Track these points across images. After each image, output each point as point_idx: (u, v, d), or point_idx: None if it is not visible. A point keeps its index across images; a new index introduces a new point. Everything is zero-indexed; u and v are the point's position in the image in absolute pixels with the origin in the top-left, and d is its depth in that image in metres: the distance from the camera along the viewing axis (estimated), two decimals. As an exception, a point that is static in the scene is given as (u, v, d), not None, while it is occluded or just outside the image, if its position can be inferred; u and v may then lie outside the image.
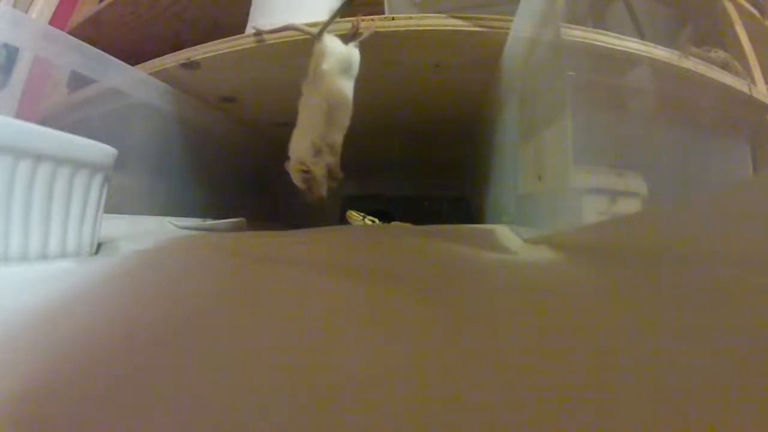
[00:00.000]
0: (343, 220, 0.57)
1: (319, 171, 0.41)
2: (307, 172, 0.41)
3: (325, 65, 0.41)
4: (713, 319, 0.12)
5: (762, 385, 0.09)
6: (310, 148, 0.41)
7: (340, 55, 0.42)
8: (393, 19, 0.43)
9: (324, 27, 0.42)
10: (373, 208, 0.63)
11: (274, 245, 0.33)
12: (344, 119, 0.42)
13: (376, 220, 0.54)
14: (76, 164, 0.24)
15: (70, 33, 0.53)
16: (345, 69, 0.42)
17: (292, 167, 0.41)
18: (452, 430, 0.08)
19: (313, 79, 0.42)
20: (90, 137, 0.25)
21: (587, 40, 0.29)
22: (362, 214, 0.54)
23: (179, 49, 0.52)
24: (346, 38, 0.43)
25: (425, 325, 0.14)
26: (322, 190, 0.42)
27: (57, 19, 0.74)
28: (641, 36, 0.29)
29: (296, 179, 0.42)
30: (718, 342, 0.11)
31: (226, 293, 0.18)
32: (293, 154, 0.42)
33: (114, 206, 0.40)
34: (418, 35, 0.43)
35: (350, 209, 0.56)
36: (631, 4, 0.31)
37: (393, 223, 0.55)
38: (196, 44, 0.51)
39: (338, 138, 0.42)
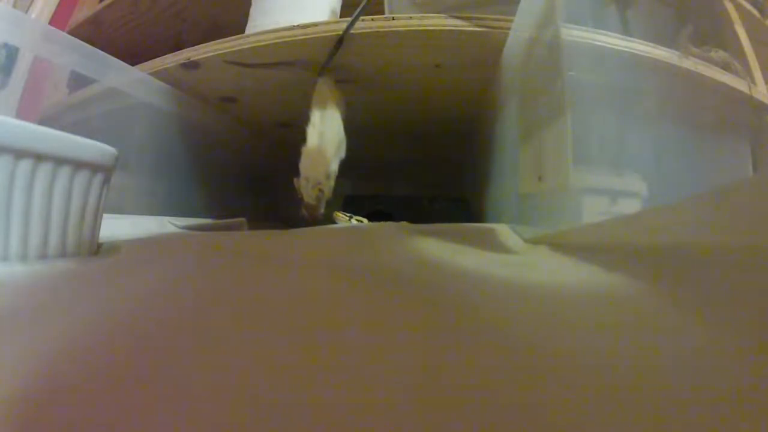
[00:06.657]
0: None
1: (327, 191, 0.48)
2: (321, 191, 0.48)
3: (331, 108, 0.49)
4: (714, 318, 0.12)
5: (762, 386, 0.09)
6: (324, 172, 0.48)
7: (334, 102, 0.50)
8: (393, 19, 0.43)
9: (326, 62, 0.47)
10: (373, 208, 0.63)
11: (274, 245, 0.33)
12: (343, 152, 0.51)
13: (364, 220, 0.54)
14: (76, 164, 0.23)
15: (70, 33, 0.53)
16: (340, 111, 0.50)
17: (310, 187, 0.47)
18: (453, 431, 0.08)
19: (321, 116, 0.49)
20: (90, 137, 0.25)
21: (587, 40, 0.29)
22: (348, 214, 0.54)
23: (179, 49, 0.52)
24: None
25: (425, 324, 0.14)
26: (323, 207, 0.50)
27: (57, 19, 0.74)
28: (627, 35, 0.29)
29: (310, 197, 0.47)
30: (719, 342, 0.11)
31: (226, 293, 0.18)
32: (309, 175, 0.47)
33: (114, 206, 0.40)
34: (418, 35, 0.43)
35: (350, 209, 0.56)
36: (623, 3, 0.30)
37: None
38: (196, 44, 0.51)
39: (336, 166, 0.50)
